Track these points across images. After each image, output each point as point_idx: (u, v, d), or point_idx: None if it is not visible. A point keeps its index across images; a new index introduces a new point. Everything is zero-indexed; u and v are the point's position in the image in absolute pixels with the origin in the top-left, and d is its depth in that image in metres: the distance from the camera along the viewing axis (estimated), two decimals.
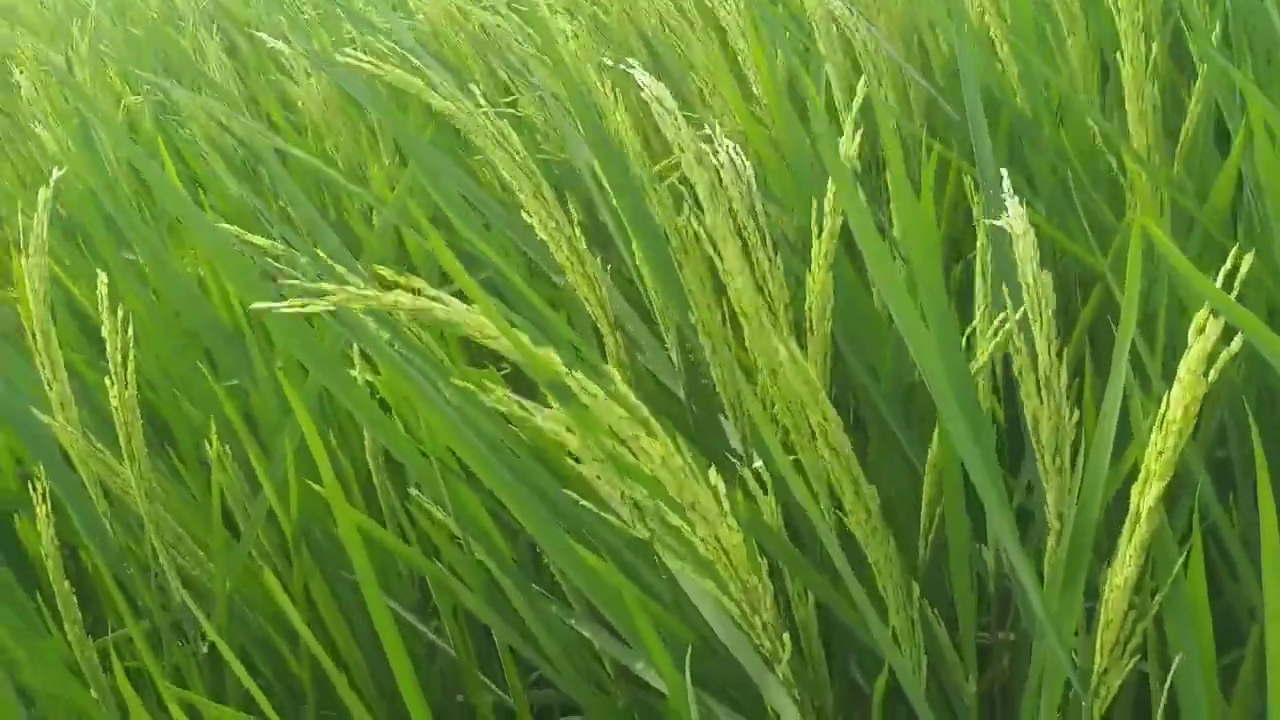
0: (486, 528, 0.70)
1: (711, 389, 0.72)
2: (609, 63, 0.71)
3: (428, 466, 0.67)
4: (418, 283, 0.49)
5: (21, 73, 1.36)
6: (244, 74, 1.50)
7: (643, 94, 0.63)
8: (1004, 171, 0.59)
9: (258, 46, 1.50)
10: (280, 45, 1.19)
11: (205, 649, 0.77)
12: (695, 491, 0.50)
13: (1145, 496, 0.48)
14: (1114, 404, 0.54)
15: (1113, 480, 0.63)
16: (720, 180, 0.64)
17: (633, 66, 0.60)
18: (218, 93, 1.31)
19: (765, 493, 0.65)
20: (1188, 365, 0.46)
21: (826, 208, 0.66)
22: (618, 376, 0.50)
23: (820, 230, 0.66)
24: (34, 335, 0.74)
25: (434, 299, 0.49)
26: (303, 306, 0.47)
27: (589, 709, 0.72)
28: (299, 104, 1.26)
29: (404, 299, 0.49)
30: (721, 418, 0.75)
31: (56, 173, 0.81)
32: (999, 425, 0.91)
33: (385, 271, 0.49)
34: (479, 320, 0.49)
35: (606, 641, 0.69)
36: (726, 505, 0.51)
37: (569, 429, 0.54)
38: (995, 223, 0.63)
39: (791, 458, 0.69)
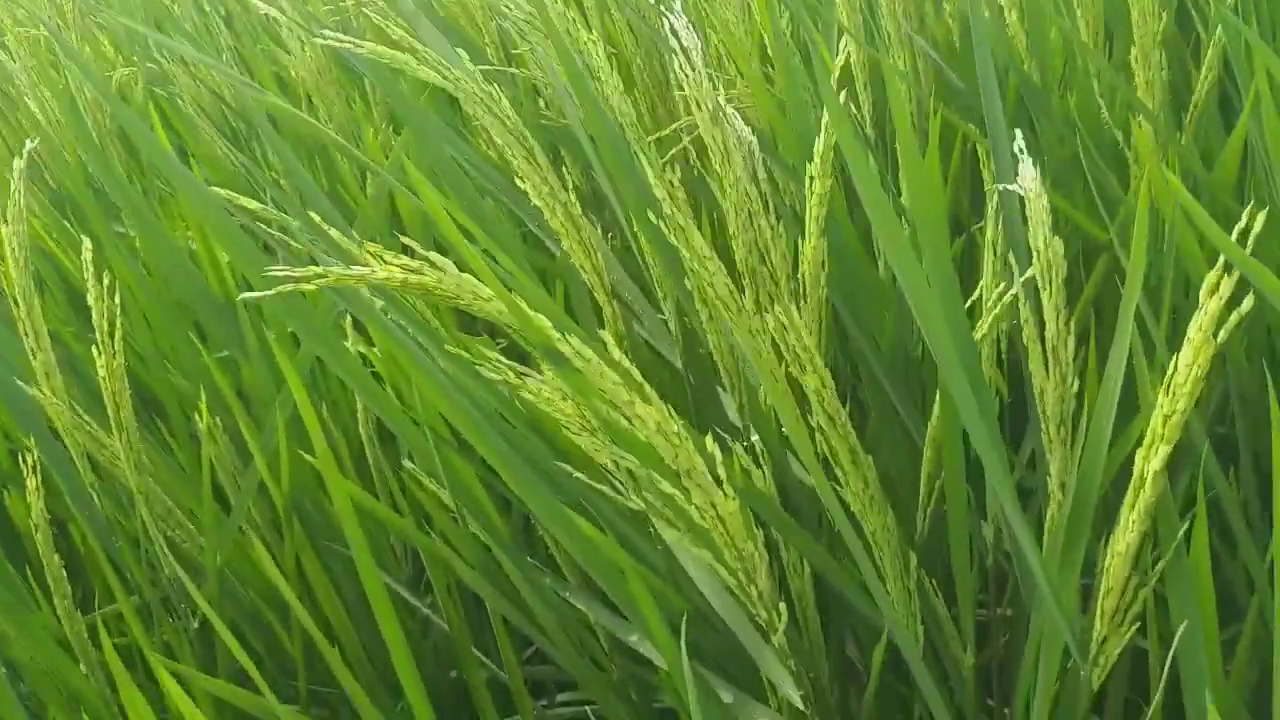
0: (480, 500, 0.69)
1: (709, 358, 0.71)
2: (649, 5, 0.69)
3: (421, 437, 0.66)
4: (409, 243, 0.48)
5: (4, 40, 1.34)
6: (238, 44, 1.48)
7: (657, 57, 0.61)
8: (1018, 131, 0.57)
9: (252, 14, 1.48)
10: (274, 12, 1.17)
11: (196, 624, 0.76)
12: (691, 458, 0.49)
13: (1151, 460, 0.47)
14: (1119, 365, 0.53)
15: (1117, 451, 0.62)
16: (726, 145, 0.63)
17: (671, 13, 0.58)
18: (212, 57, 1.29)
19: (759, 466, 0.64)
20: (1198, 325, 0.45)
21: (816, 170, 0.64)
22: (611, 341, 0.49)
23: (812, 193, 0.65)
24: (15, 303, 0.73)
25: (426, 261, 0.48)
26: (298, 286, 0.46)
27: (584, 683, 0.71)
28: (293, 72, 1.24)
29: (397, 273, 0.48)
30: (719, 389, 0.74)
31: (30, 144, 0.79)
32: (1002, 400, 0.90)
33: (377, 249, 0.48)
34: (472, 283, 0.48)
35: (601, 614, 0.69)
36: (722, 472, 0.50)
37: (564, 396, 0.53)
38: (1008, 186, 0.61)
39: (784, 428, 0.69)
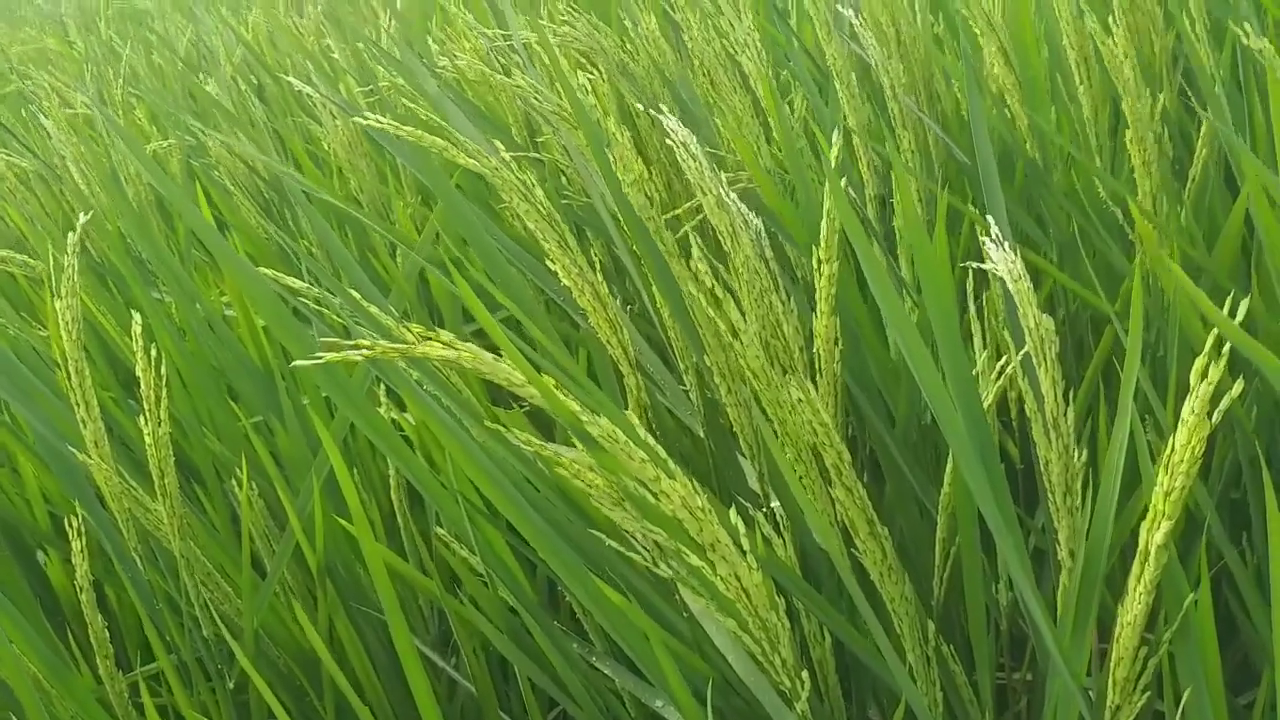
0: (509, 565, 0.71)
1: (730, 428, 0.73)
2: (640, 107, 0.73)
3: (453, 503, 0.69)
4: (447, 336, 0.51)
5: (49, 116, 1.40)
6: (271, 116, 1.54)
7: (668, 140, 0.65)
8: (990, 219, 0.60)
9: (284, 89, 1.54)
10: (308, 89, 1.23)
11: (232, 684, 0.78)
12: (715, 532, 0.52)
13: (1153, 536, 0.49)
14: (1120, 444, 0.55)
15: (1125, 519, 0.64)
16: (733, 227, 0.66)
17: (663, 114, 0.62)
18: (247, 134, 1.34)
19: (779, 534, 0.67)
20: (1191, 408, 0.47)
21: (822, 254, 0.68)
22: (636, 421, 0.51)
23: (821, 275, 0.68)
24: (68, 375, 0.76)
25: (465, 351, 0.51)
26: (344, 357, 0.49)
27: None
28: (324, 144, 1.29)
29: (435, 349, 0.51)
30: (740, 457, 0.77)
31: (83, 217, 0.84)
32: (1015, 466, 0.92)
33: (418, 329, 0.51)
34: (507, 370, 0.51)
35: (626, 679, 0.71)
36: (746, 545, 0.53)
37: (592, 470, 0.55)
38: (984, 266, 0.64)
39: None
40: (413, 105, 0.87)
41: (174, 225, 1.35)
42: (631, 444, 0.50)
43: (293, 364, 0.53)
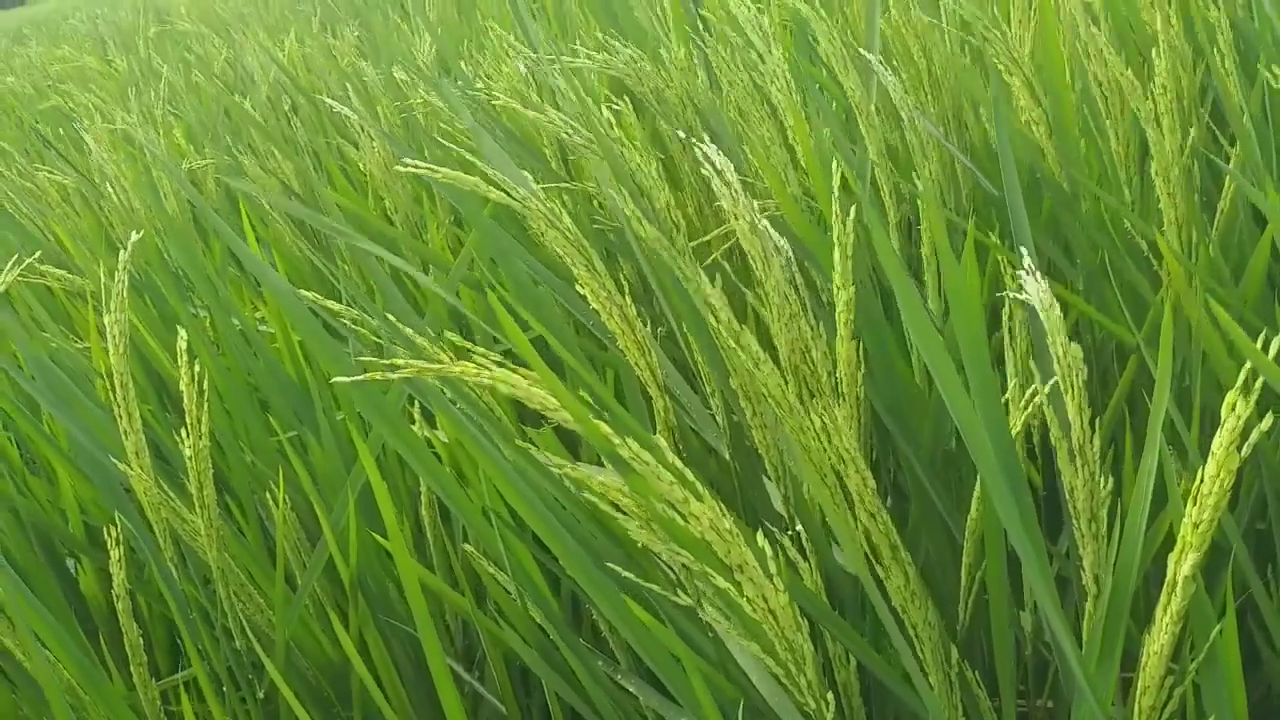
0: (537, 582, 0.72)
1: (756, 450, 0.74)
2: (674, 133, 0.75)
3: (483, 520, 0.70)
4: (482, 359, 0.53)
5: (90, 132, 1.43)
6: (307, 137, 1.57)
7: (702, 168, 0.66)
8: (1023, 250, 0.61)
9: (320, 110, 1.57)
10: (346, 111, 1.25)
11: (262, 693, 0.80)
12: (743, 554, 0.53)
13: (1181, 567, 0.50)
14: (1149, 472, 0.56)
15: (1149, 546, 0.64)
16: (765, 252, 0.67)
17: (700, 143, 0.63)
18: (283, 152, 1.37)
19: (804, 558, 0.67)
20: (1221, 441, 0.48)
21: (837, 281, 0.69)
22: (665, 444, 0.52)
23: (839, 300, 0.69)
24: (113, 388, 0.78)
25: (499, 374, 0.52)
26: (385, 376, 0.51)
27: None
28: (360, 166, 1.32)
29: (471, 370, 0.52)
30: (765, 479, 0.77)
31: (135, 235, 0.86)
32: (1040, 492, 0.92)
33: (455, 338, 0.52)
34: (541, 394, 0.52)
35: (651, 697, 0.71)
36: (773, 568, 0.54)
37: (622, 493, 0.57)
38: (1018, 296, 0.65)
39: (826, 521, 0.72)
40: (447, 128, 0.89)
41: (209, 243, 1.37)
42: (660, 466, 0.52)
43: (332, 380, 0.54)
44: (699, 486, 0.52)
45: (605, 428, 0.50)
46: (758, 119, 0.87)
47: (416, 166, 0.67)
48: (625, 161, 0.74)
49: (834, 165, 0.68)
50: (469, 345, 0.57)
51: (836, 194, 0.67)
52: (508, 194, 0.66)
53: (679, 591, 0.55)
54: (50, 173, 1.31)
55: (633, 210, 0.69)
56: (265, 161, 1.40)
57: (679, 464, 0.51)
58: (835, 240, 0.62)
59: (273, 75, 1.74)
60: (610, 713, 0.69)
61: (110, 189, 1.31)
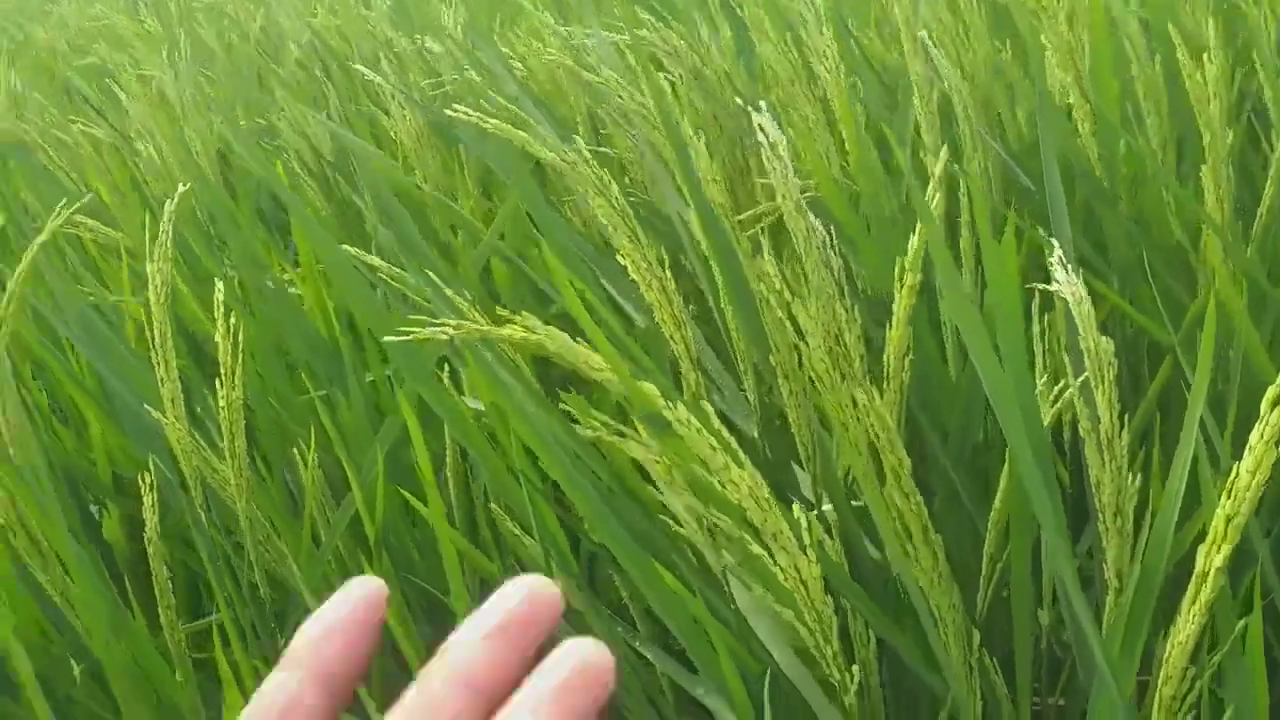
0: (562, 545, 0.73)
1: (785, 430, 0.75)
2: (710, 115, 0.75)
3: (512, 481, 0.70)
4: (531, 320, 0.53)
5: (125, 89, 1.44)
6: (339, 103, 1.57)
7: (737, 149, 0.67)
8: (1054, 241, 0.62)
9: (352, 78, 1.57)
10: (378, 78, 1.26)
11: (284, 643, 0.81)
12: (778, 522, 0.53)
13: (1213, 558, 0.50)
14: (1184, 466, 0.56)
15: (1178, 544, 0.64)
16: (806, 232, 0.68)
17: (759, 112, 0.63)
18: (315, 116, 1.38)
19: (831, 537, 0.68)
20: (1260, 434, 0.48)
21: (907, 264, 0.69)
22: (710, 411, 0.53)
23: (901, 284, 0.69)
24: (152, 336, 0.79)
25: (546, 334, 0.53)
26: (428, 335, 0.51)
27: None
28: (391, 134, 1.32)
29: (516, 332, 0.53)
30: (794, 465, 0.78)
31: (181, 188, 0.87)
32: (1065, 490, 0.93)
33: (504, 314, 0.53)
34: (585, 352, 0.53)
35: (669, 664, 0.72)
36: (807, 539, 0.54)
37: (657, 458, 0.57)
38: (1048, 288, 0.66)
39: (855, 503, 0.72)
40: (482, 100, 0.89)
41: (238, 202, 1.38)
42: (705, 432, 0.52)
43: (384, 338, 0.55)
44: (740, 454, 0.52)
45: (652, 389, 0.51)
46: (802, 100, 0.87)
47: (468, 114, 0.67)
48: (680, 129, 0.75)
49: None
50: (506, 310, 0.58)
51: (937, 175, 0.66)
52: (556, 155, 0.67)
53: (720, 551, 0.56)
54: (84, 126, 1.32)
55: (707, 169, 0.69)
56: (297, 125, 1.41)
57: (723, 430, 0.52)
58: (917, 230, 0.62)
59: (305, 39, 1.74)
60: (629, 680, 0.69)
61: (144, 145, 1.32)
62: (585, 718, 0.20)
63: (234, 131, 1.27)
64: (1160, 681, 0.55)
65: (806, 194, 0.80)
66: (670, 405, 0.52)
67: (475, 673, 0.21)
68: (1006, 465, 0.65)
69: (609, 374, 0.53)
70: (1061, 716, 0.87)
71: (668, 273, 0.71)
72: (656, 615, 0.79)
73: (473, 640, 0.21)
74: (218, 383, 0.76)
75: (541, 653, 0.21)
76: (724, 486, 0.53)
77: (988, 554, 0.74)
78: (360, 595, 0.22)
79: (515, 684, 0.21)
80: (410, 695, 0.21)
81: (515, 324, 0.53)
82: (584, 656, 0.20)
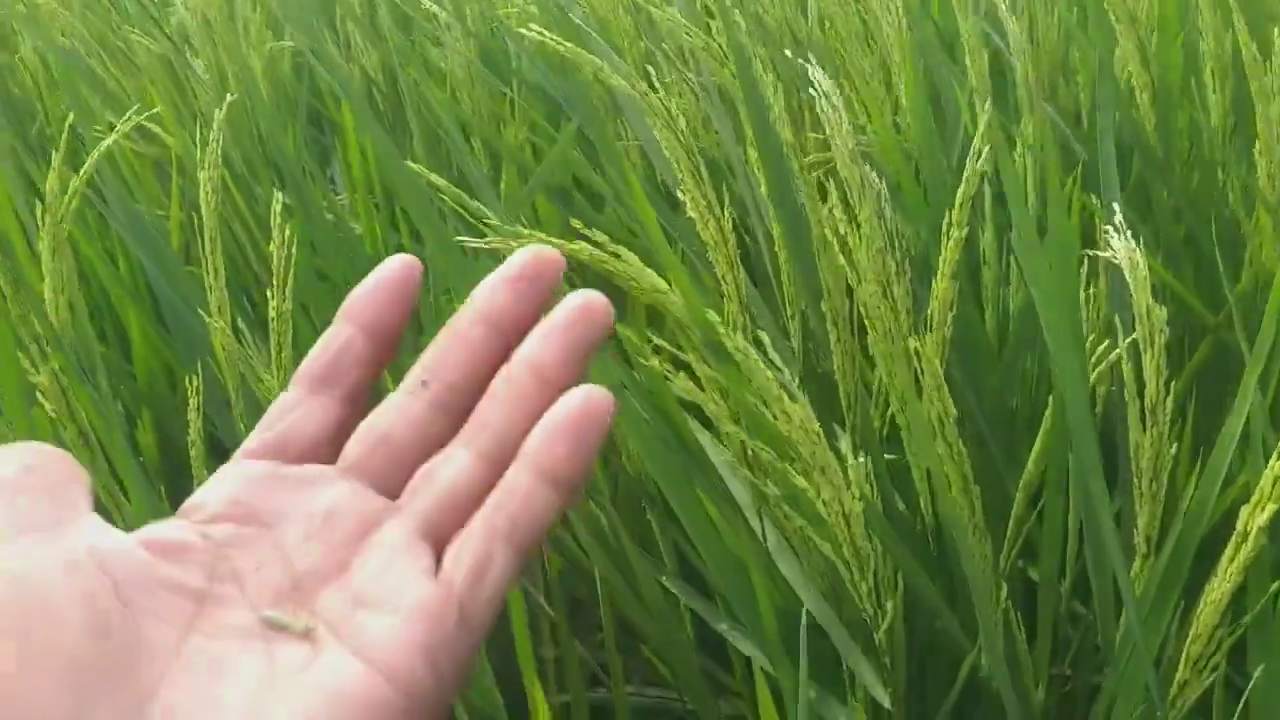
0: (597, 475, 0.74)
1: (823, 386, 0.75)
2: (788, 54, 0.75)
3: None
4: (600, 237, 0.54)
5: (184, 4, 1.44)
6: (393, 29, 1.56)
7: (794, 96, 0.67)
8: (1115, 206, 0.62)
9: (404, 5, 1.57)
10: (434, 7, 1.25)
11: None
12: (826, 456, 0.54)
13: (1256, 518, 0.51)
14: (1234, 431, 0.57)
15: (1218, 506, 0.65)
16: (862, 183, 0.68)
17: (809, 63, 0.64)
18: (372, 41, 1.37)
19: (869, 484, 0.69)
20: None
21: (956, 218, 0.69)
22: (768, 341, 0.54)
23: (948, 239, 0.70)
24: (203, 243, 0.80)
25: (616, 252, 0.53)
26: (501, 245, 0.52)
27: (677, 671, 0.76)
28: (442, 66, 1.32)
29: (586, 250, 0.54)
30: (833, 425, 0.79)
31: (229, 97, 0.88)
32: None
33: (578, 225, 0.53)
34: (653, 275, 0.53)
35: (695, 600, 0.73)
36: (852, 475, 0.55)
37: (704, 390, 0.58)
38: (1104, 254, 0.66)
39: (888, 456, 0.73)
40: (561, 42, 0.89)
41: (288, 126, 1.38)
42: (760, 361, 0.53)
43: (461, 239, 0.56)
44: (794, 386, 0.53)
45: (714, 315, 0.52)
46: (858, 53, 0.87)
47: (542, 34, 0.67)
48: (751, 65, 0.75)
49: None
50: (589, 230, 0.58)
51: (981, 126, 0.66)
52: (628, 84, 0.67)
53: (764, 483, 0.57)
54: (140, 36, 1.32)
55: (780, 110, 0.69)
56: (349, 51, 1.40)
57: (778, 361, 0.53)
58: (963, 180, 0.62)
59: None
60: (661, 607, 0.71)
61: (196, 59, 1.32)
62: (588, 346, 0.24)
63: (306, 41, 1.27)
64: (1189, 639, 0.56)
65: (862, 146, 0.81)
66: (729, 333, 0.53)
67: (496, 311, 0.25)
68: (1048, 417, 0.66)
69: (675, 297, 0.53)
70: (1065, 683, 0.88)
71: (726, 212, 0.72)
72: (682, 553, 0.80)
73: (493, 285, 0.25)
74: (269, 293, 0.77)
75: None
76: (775, 418, 0.54)
77: (1015, 515, 0.75)
78: (397, 263, 0.25)
79: (531, 326, 0.24)
80: (442, 334, 0.25)
81: (586, 240, 0.54)
82: (587, 298, 0.24)
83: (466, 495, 0.23)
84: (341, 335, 0.25)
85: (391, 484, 0.24)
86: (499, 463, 0.23)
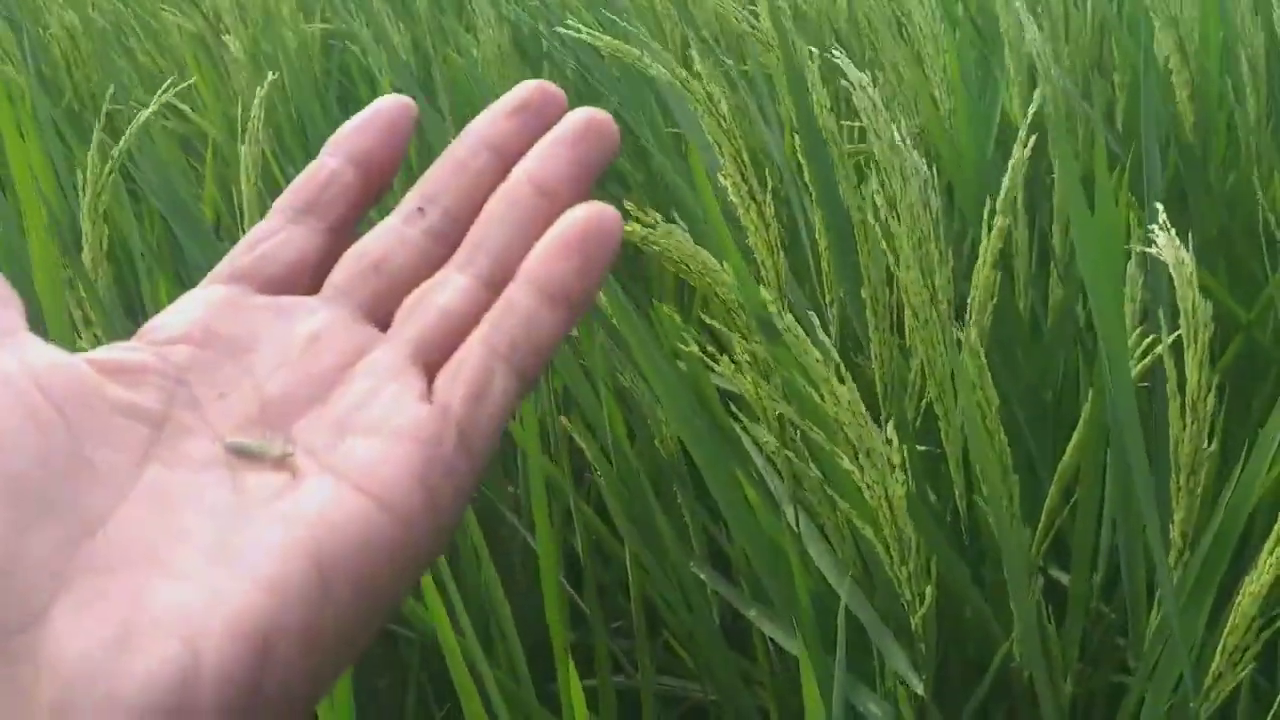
0: (629, 455, 0.74)
1: (862, 372, 0.75)
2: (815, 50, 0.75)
3: (589, 390, 0.72)
4: (654, 215, 0.54)
5: None
6: (427, 10, 1.57)
7: (842, 82, 0.67)
8: (1159, 206, 0.62)
9: None
10: None
11: None
12: (871, 439, 0.54)
13: None
14: (1273, 435, 0.57)
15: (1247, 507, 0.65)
16: (904, 171, 0.68)
17: (838, 57, 0.64)
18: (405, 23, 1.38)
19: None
20: None
21: (1000, 206, 0.69)
22: (817, 321, 0.54)
23: (991, 227, 0.70)
24: (241, 214, 0.81)
25: (668, 234, 0.53)
26: None
27: (703, 654, 0.76)
28: (474, 52, 1.32)
29: (639, 230, 0.54)
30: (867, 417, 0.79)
31: (271, 76, 0.88)
32: None
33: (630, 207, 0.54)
34: (705, 253, 0.54)
35: (721, 585, 0.74)
36: (895, 459, 0.55)
37: (745, 375, 0.58)
38: (1148, 250, 0.66)
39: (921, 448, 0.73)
40: (599, 37, 0.89)
41: (323, 105, 1.38)
42: (809, 342, 0.53)
43: None
44: (842, 368, 0.53)
45: (766, 294, 0.52)
46: (891, 43, 0.87)
47: (579, 30, 0.67)
48: (796, 51, 0.75)
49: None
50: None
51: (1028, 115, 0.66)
52: (668, 72, 0.67)
53: (808, 464, 0.57)
54: (173, 14, 1.33)
55: (820, 97, 0.69)
56: (381, 33, 1.41)
57: (827, 342, 0.53)
58: (1009, 169, 0.62)
59: None
60: (694, 586, 0.71)
61: (231, 39, 1.32)
62: (594, 164, 0.22)
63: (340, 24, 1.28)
64: (1226, 630, 0.56)
65: (912, 133, 0.81)
66: (779, 313, 0.53)
67: (495, 136, 0.22)
68: (1088, 407, 0.66)
69: (726, 276, 0.53)
70: (1081, 680, 0.88)
71: (768, 197, 0.72)
72: (711, 539, 0.81)
73: (495, 114, 0.23)
74: None
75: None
76: (824, 399, 0.54)
77: (1048, 508, 0.75)
78: (391, 100, 0.23)
79: None
80: (439, 161, 0.23)
81: (638, 223, 0.54)
82: (591, 113, 0.22)
83: (462, 321, 0.21)
84: (327, 166, 0.23)
85: (382, 315, 0.21)
86: (498, 287, 0.21)
